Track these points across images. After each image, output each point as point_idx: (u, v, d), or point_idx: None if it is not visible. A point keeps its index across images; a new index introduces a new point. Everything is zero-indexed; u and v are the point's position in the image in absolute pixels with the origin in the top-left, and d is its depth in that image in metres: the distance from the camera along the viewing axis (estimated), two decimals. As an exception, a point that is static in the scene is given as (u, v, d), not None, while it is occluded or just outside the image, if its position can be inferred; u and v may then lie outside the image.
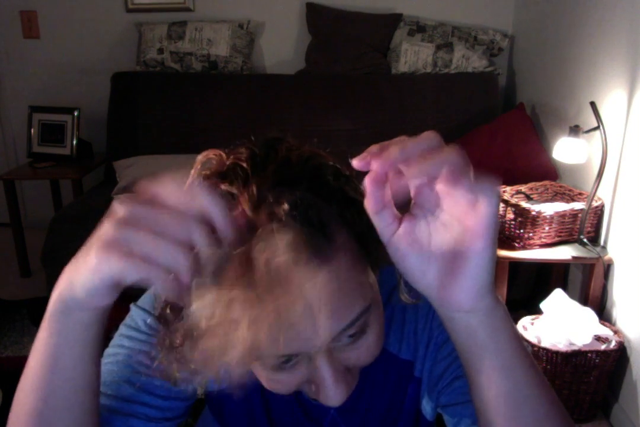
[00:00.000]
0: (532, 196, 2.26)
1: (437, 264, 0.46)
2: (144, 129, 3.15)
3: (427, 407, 0.72)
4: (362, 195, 0.50)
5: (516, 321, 2.00)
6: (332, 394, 0.51)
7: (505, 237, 2.14)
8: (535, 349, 1.90)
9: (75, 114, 3.14)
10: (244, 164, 0.50)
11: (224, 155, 0.53)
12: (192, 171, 0.52)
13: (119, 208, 0.42)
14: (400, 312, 0.70)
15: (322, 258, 0.46)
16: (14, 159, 3.60)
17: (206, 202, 0.42)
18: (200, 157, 0.54)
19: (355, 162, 0.43)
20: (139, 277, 0.41)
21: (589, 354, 1.87)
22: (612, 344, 1.91)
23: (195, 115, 3.13)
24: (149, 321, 0.67)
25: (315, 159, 0.54)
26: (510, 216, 2.10)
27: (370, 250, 0.53)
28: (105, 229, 0.42)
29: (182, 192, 0.42)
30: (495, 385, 0.51)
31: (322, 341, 0.48)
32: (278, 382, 0.54)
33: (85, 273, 0.43)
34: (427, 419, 0.73)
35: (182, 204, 0.41)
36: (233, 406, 0.75)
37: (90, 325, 0.48)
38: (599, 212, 2.09)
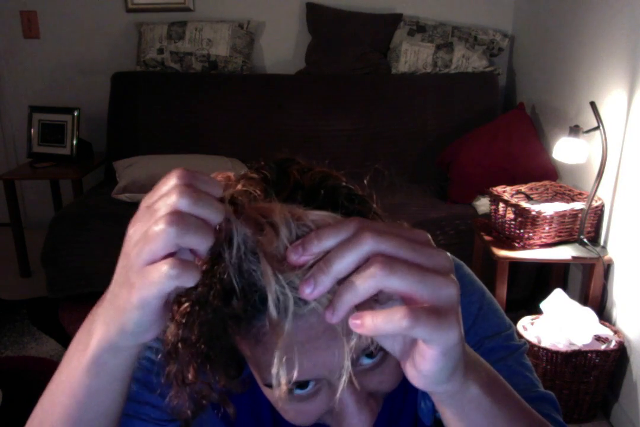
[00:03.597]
0: (532, 196, 2.26)
1: (399, 344, 0.43)
2: (144, 129, 3.15)
3: (424, 410, 0.72)
4: (376, 213, 0.50)
5: (516, 321, 2.00)
6: (356, 422, 0.47)
7: (505, 237, 2.14)
8: (535, 349, 1.90)
9: (75, 114, 3.13)
10: (257, 190, 0.49)
11: (232, 177, 0.51)
12: None
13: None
14: None
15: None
16: (14, 159, 3.60)
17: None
18: None
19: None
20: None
21: (589, 354, 1.87)
22: (612, 344, 1.90)
23: (195, 115, 3.13)
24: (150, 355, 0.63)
25: (328, 180, 0.52)
26: (510, 215, 2.10)
27: None
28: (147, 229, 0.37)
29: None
30: None
31: (343, 364, 0.43)
32: (297, 412, 0.50)
33: (133, 309, 0.39)
34: (424, 423, 0.73)
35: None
36: (239, 406, 0.74)
37: (134, 359, 0.46)
38: (599, 212, 2.09)
